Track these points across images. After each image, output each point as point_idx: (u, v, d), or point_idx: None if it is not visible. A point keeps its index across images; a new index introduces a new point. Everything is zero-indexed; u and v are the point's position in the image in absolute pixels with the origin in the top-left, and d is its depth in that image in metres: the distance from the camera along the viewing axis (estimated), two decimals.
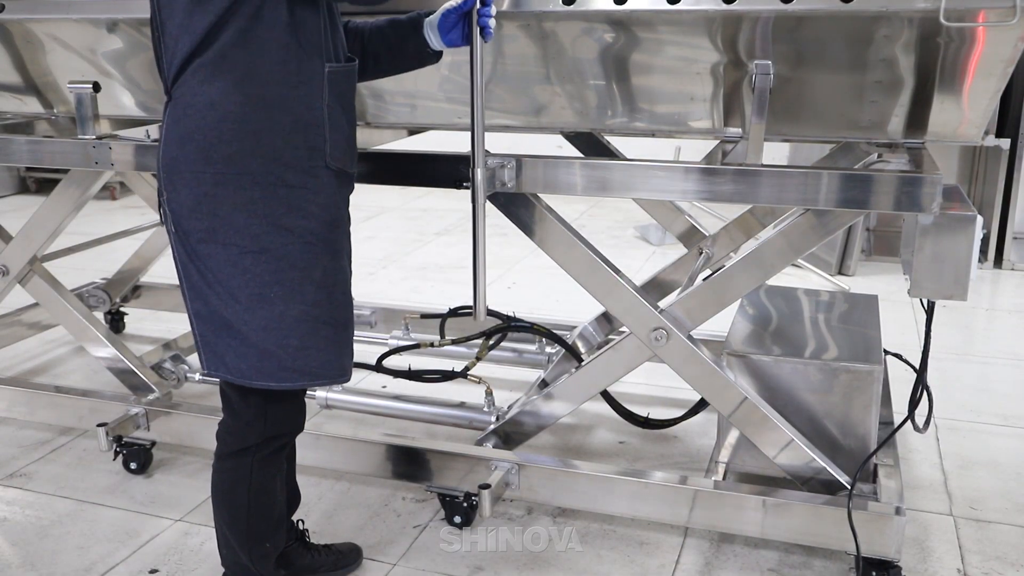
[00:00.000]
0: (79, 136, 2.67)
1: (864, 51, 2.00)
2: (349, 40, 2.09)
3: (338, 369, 2.02)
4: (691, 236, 3.22)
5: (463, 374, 2.85)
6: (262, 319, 1.90)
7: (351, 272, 2.08)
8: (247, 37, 1.80)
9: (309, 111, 1.88)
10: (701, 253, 3.15)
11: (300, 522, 2.32)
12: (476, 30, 1.96)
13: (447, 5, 2.02)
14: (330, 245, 1.96)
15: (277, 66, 1.83)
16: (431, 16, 2.06)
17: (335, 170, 1.95)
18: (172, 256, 1.96)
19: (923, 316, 2.24)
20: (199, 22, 1.79)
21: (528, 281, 4.89)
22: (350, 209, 2.06)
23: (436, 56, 2.13)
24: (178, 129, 1.86)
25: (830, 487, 2.30)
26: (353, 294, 2.08)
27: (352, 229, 2.08)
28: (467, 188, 2.10)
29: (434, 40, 2.07)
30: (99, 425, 2.72)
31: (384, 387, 3.36)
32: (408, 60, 2.16)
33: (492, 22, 1.97)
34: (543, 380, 2.97)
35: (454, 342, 3.07)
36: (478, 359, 2.95)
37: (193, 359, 3.21)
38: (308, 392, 2.36)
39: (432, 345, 3.09)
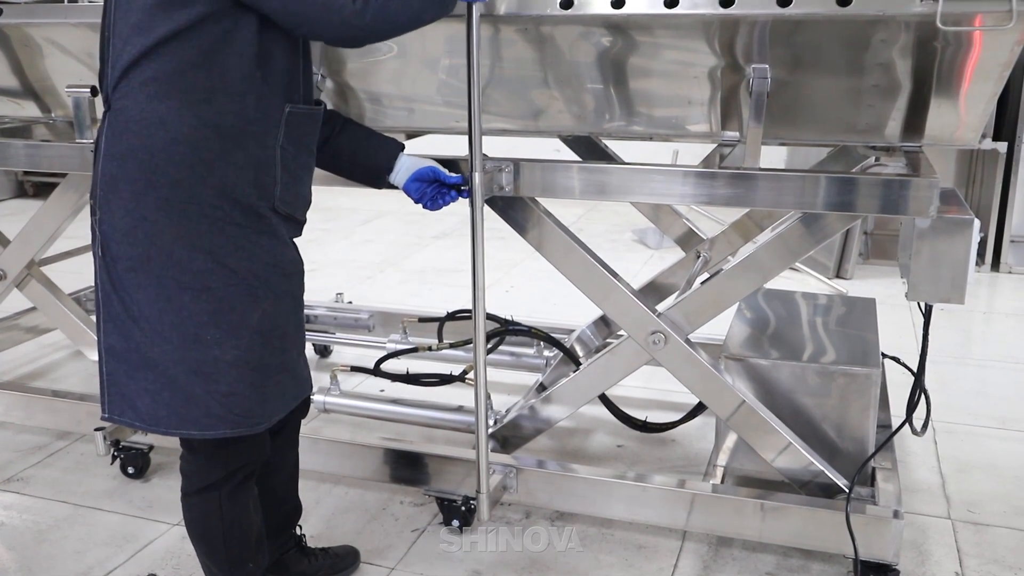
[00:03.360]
0: (77, 140, 2.67)
1: (861, 55, 2.00)
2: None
3: (261, 417, 1.89)
4: (689, 240, 3.23)
5: (461, 378, 2.84)
6: (194, 361, 1.78)
7: (295, 314, 1.96)
8: (212, 59, 1.70)
9: (262, 149, 1.79)
10: (699, 257, 3.15)
11: (298, 527, 2.32)
12: (475, 36, 1.97)
13: (420, 169, 2.13)
14: (272, 289, 1.85)
15: (236, 96, 1.74)
16: (406, 163, 2.15)
17: (283, 215, 1.86)
18: (94, 283, 1.84)
19: (921, 319, 2.25)
20: (158, 27, 1.68)
21: (526, 285, 4.89)
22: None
23: (387, 185, 2.18)
24: (119, 144, 1.74)
25: (828, 491, 2.30)
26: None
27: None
28: (465, 192, 2.10)
29: (397, 181, 2.15)
30: (97, 429, 2.70)
31: (382, 391, 3.36)
32: (362, 176, 2.19)
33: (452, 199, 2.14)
34: (541, 384, 2.97)
35: (452, 346, 3.07)
36: None
37: None
38: None
39: (430, 349, 3.09)
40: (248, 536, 2.04)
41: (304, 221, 1.98)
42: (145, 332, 1.78)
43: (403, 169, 2.15)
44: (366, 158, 2.15)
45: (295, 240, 1.97)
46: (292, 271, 1.92)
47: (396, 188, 2.18)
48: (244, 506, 2.01)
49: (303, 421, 2.25)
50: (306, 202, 1.97)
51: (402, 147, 2.19)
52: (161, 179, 1.72)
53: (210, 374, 1.80)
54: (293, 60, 1.84)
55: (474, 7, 1.96)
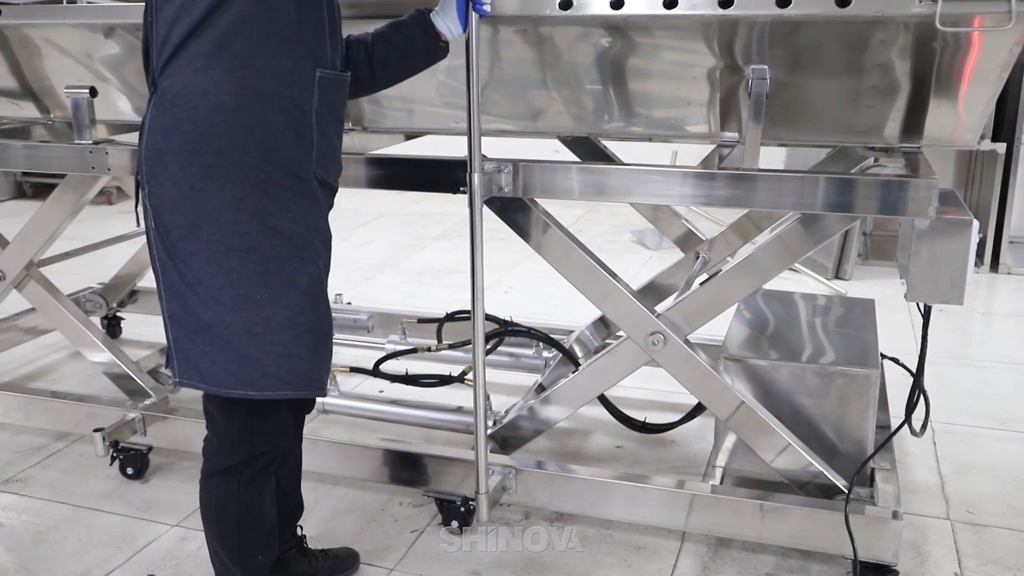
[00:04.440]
0: (76, 141, 2.67)
1: (860, 56, 2.01)
2: (352, 53, 2.06)
3: (318, 382, 1.95)
4: (688, 240, 3.23)
5: (460, 378, 2.84)
6: (246, 322, 1.83)
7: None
8: (248, 25, 1.76)
9: (301, 113, 1.84)
10: (698, 257, 3.15)
11: (299, 528, 2.32)
12: (474, 37, 1.97)
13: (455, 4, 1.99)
14: (315, 252, 1.90)
15: (274, 60, 1.79)
16: (441, 6, 2.02)
17: (319, 179, 1.90)
18: (149, 253, 1.90)
19: (920, 320, 2.25)
20: (200, 4, 1.75)
21: (525, 285, 4.89)
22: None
23: (445, 50, 2.08)
24: (164, 119, 1.79)
25: (827, 491, 2.30)
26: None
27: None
28: (465, 193, 2.10)
29: (452, 28, 2.02)
30: (96, 430, 2.71)
31: (381, 391, 3.36)
32: (419, 59, 2.09)
33: (487, 7, 1.99)
34: (540, 385, 2.97)
35: (451, 346, 3.07)
36: None
37: None
38: None
39: (429, 349, 3.09)
40: (261, 526, 2.05)
41: (337, 187, 2.01)
42: (200, 296, 1.83)
43: (448, 24, 2.02)
44: (412, 48, 2.07)
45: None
46: (327, 240, 1.97)
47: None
48: (261, 494, 2.03)
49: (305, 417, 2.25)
50: (339, 167, 1.99)
51: (424, 14, 2.04)
52: (205, 148, 1.77)
53: (263, 334, 1.84)
54: (321, 25, 1.86)
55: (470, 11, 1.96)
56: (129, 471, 2.85)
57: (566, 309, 4.18)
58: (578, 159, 3.04)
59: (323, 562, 2.31)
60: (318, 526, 2.58)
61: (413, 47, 2.07)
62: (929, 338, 2.24)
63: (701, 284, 2.37)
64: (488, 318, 2.91)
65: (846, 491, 2.24)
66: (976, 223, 2.00)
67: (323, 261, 1.96)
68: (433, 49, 2.07)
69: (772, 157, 5.57)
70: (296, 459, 2.25)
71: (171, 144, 1.79)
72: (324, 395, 2.00)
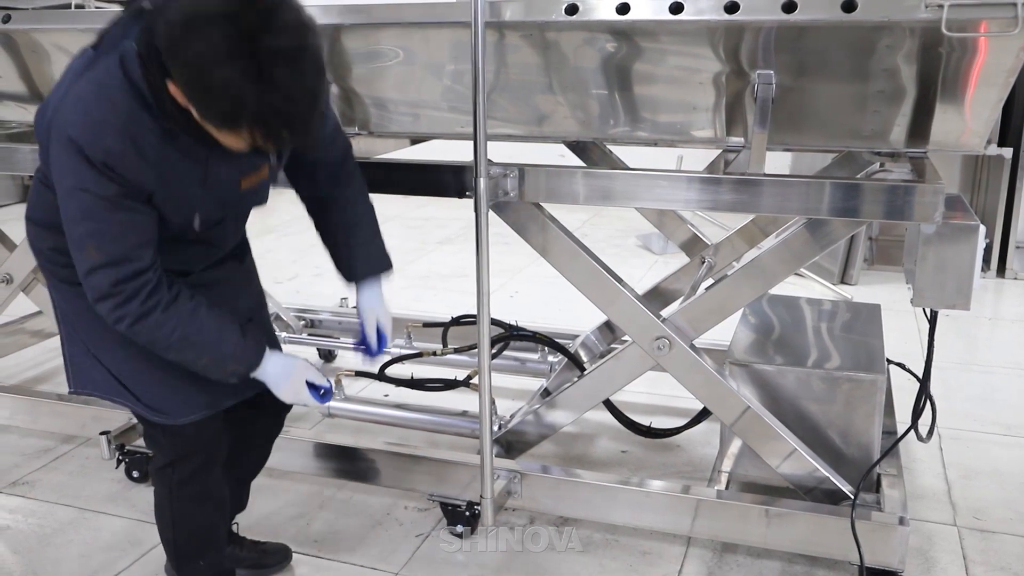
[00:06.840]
0: None
1: (866, 61, 2.00)
2: (321, 170, 2.08)
3: (168, 409, 1.90)
4: (693, 245, 3.23)
5: (465, 383, 2.84)
6: (108, 353, 1.90)
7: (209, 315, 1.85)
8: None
9: None
10: (703, 262, 3.15)
11: (234, 524, 2.33)
12: (480, 42, 1.97)
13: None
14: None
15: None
16: (365, 303, 2.28)
17: None
18: None
19: (926, 325, 2.24)
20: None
21: (530, 290, 4.89)
22: None
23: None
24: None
25: (833, 497, 2.29)
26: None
27: None
28: (470, 197, 2.10)
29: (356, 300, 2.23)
30: (102, 433, 2.71)
31: (386, 396, 3.36)
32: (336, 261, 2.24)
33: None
34: (545, 389, 2.97)
35: (456, 351, 3.07)
36: None
37: None
38: None
39: (434, 354, 3.09)
40: (198, 532, 2.06)
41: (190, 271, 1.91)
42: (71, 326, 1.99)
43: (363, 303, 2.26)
44: (348, 256, 2.29)
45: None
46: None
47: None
48: (195, 498, 2.03)
49: (302, 427, 2.25)
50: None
51: (366, 276, 2.29)
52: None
53: (124, 360, 1.90)
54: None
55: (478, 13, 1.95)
56: (135, 474, 2.85)
57: (571, 313, 4.17)
58: (583, 164, 3.04)
59: (247, 553, 2.32)
60: (323, 529, 2.58)
61: (343, 260, 2.27)
62: (935, 343, 2.24)
63: (707, 289, 2.37)
64: (493, 322, 2.91)
65: (852, 497, 2.24)
66: (983, 228, 2.00)
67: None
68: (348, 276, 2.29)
69: (777, 162, 5.56)
70: (252, 460, 2.26)
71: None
72: (182, 421, 1.90)
